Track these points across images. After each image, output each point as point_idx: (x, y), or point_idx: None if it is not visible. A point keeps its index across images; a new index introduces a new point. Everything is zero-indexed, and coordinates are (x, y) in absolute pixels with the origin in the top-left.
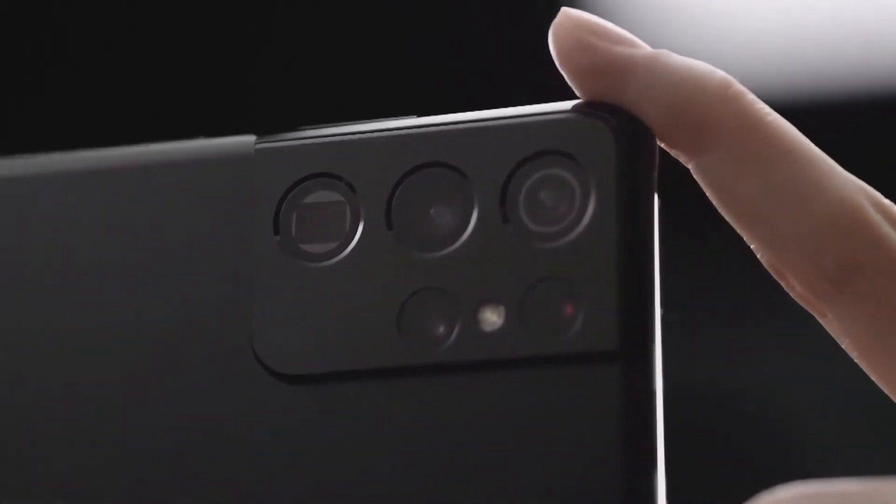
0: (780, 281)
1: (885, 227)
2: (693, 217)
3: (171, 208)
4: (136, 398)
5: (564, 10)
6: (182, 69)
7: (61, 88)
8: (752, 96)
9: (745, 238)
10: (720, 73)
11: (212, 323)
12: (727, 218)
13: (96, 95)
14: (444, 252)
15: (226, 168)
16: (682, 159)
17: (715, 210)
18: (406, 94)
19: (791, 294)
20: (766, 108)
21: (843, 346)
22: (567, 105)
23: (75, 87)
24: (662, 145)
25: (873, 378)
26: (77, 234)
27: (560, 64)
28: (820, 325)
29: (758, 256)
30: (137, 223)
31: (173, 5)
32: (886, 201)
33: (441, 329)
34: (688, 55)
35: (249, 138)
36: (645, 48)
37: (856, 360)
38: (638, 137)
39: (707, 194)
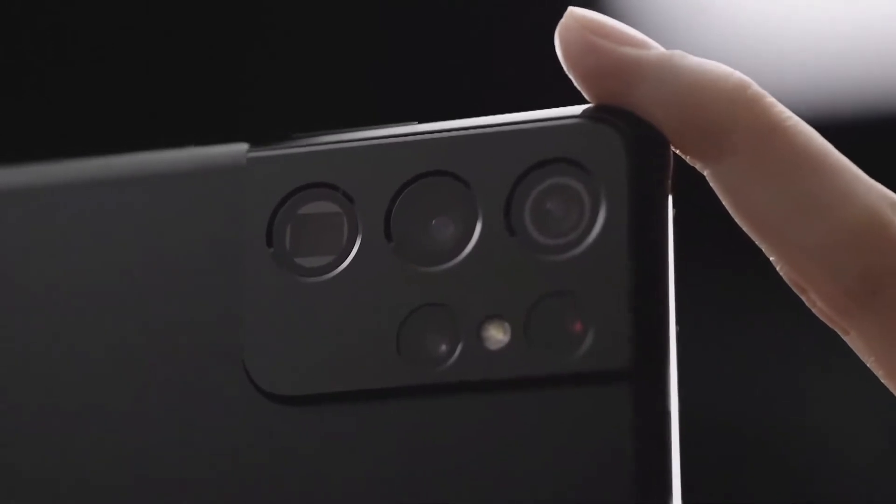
0: (800, 295)
1: None
2: (711, 225)
3: (161, 221)
4: (122, 420)
5: (570, 9)
6: (178, 70)
7: (55, 90)
8: (770, 99)
9: (763, 250)
10: (737, 74)
11: (202, 340)
12: (744, 228)
13: (91, 94)
14: (447, 266)
15: (217, 178)
16: (697, 166)
17: (733, 220)
18: (406, 99)
19: (812, 309)
20: (787, 112)
21: (868, 365)
22: (575, 110)
23: (70, 88)
24: (676, 151)
25: None
26: (62, 250)
27: (566, 67)
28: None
29: (777, 269)
30: (125, 237)
31: (167, 6)
32: None
33: (443, 347)
34: (704, 56)
35: (241, 146)
36: (656, 49)
37: (881, 380)
38: (650, 143)
39: (724, 203)
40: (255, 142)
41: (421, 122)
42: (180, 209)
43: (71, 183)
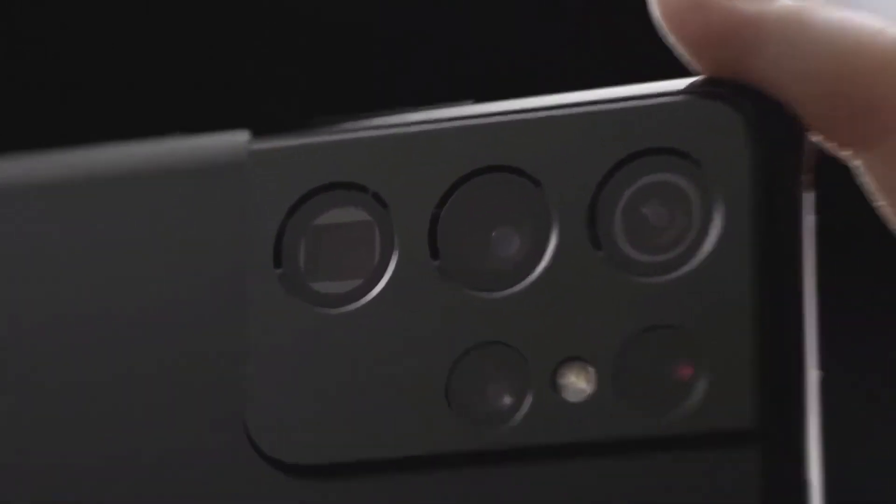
0: None
1: None
2: (861, 234)
3: (145, 234)
4: (105, 490)
5: None
6: (175, 48)
7: (37, 70)
8: None
9: None
10: (892, 30)
11: (194, 392)
12: None
13: (74, 77)
14: (511, 291)
15: (211, 179)
16: (843, 155)
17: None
18: (453, 73)
19: None
20: None
21: None
22: (679, 85)
23: (60, 73)
24: (815, 137)
25: None
26: (34, 264)
27: (667, 29)
28: None
29: None
30: (102, 255)
31: None
32: None
33: (507, 400)
34: (848, 7)
35: (241, 136)
36: (781, 1)
37: None
38: (780, 126)
39: (878, 205)
40: (259, 129)
41: (475, 101)
42: (167, 220)
43: (37, 182)
